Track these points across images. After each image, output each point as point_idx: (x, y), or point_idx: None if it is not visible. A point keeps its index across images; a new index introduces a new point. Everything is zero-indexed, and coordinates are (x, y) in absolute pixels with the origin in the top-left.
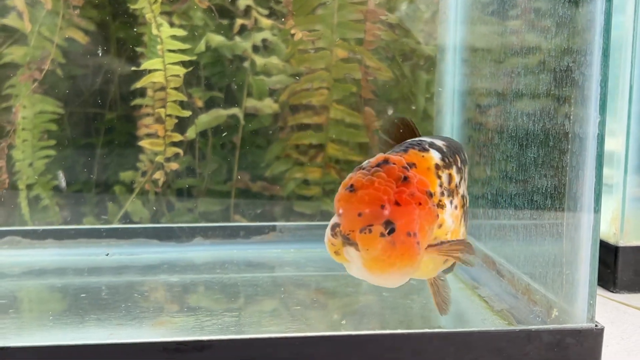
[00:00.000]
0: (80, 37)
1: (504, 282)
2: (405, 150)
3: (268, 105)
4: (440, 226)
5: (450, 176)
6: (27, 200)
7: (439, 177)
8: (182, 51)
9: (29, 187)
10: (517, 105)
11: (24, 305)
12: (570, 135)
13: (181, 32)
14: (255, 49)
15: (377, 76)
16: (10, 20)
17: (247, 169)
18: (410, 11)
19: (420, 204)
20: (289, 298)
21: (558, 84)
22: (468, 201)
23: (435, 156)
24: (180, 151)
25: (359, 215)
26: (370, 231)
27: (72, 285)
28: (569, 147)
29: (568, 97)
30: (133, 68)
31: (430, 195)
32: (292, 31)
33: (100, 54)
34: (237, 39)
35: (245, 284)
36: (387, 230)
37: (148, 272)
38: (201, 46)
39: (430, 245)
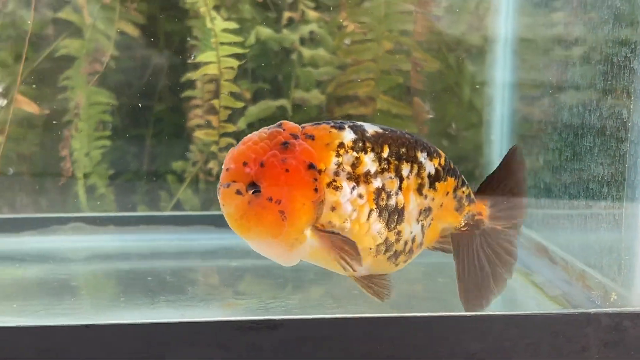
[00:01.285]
0: (132, 30)
1: (557, 269)
2: (318, 123)
3: (315, 97)
4: (333, 209)
5: (358, 160)
6: (84, 189)
7: (339, 156)
8: (235, 44)
9: (86, 176)
10: (572, 96)
11: (95, 288)
12: (629, 124)
13: (233, 25)
14: (302, 41)
15: (424, 67)
16: (65, 14)
17: None
18: (458, 2)
19: (288, 170)
20: (345, 281)
21: (616, 74)
22: (406, 204)
23: (346, 136)
24: (234, 141)
25: (227, 170)
26: (228, 186)
27: (137, 269)
28: (628, 136)
29: (627, 86)
30: (189, 60)
31: (316, 169)
32: (345, 23)
33: (151, 47)
34: (285, 31)
35: (305, 269)
36: (251, 191)
37: (208, 257)
38: (251, 39)
39: (318, 228)
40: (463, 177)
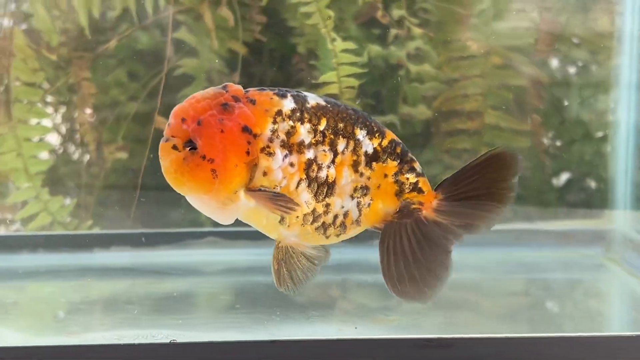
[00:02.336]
0: (240, 49)
1: None
2: (263, 89)
3: (421, 112)
4: (265, 174)
5: (293, 129)
6: None
7: (276, 123)
8: (354, 64)
9: None
10: None
11: (245, 301)
12: None
13: (352, 46)
14: (409, 57)
15: (535, 83)
16: (181, 34)
17: None
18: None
19: (223, 131)
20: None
21: None
22: (338, 178)
23: (286, 104)
24: None
25: (168, 125)
26: (167, 141)
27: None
28: None
29: None
30: (312, 81)
31: (251, 133)
32: (468, 43)
33: (267, 66)
34: (392, 48)
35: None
36: (187, 148)
37: (341, 271)
38: (364, 57)
39: (249, 189)
40: (416, 165)
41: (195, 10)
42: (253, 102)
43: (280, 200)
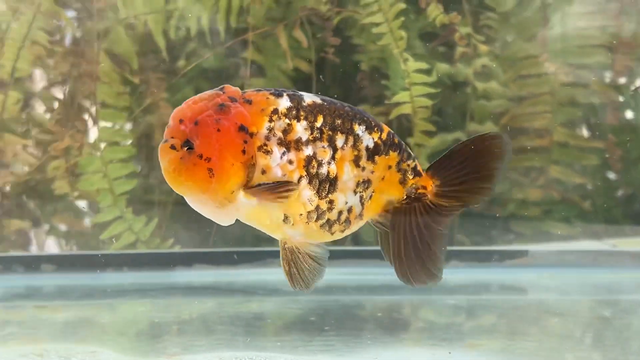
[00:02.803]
0: (306, 68)
1: None
2: (259, 90)
3: (489, 129)
4: (264, 172)
5: (290, 127)
6: None
7: (272, 121)
8: (426, 84)
9: None
10: None
11: (333, 322)
12: None
13: (424, 65)
14: (475, 74)
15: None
16: (249, 54)
17: None
18: None
19: (219, 130)
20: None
21: None
22: (339, 174)
23: (282, 103)
24: None
25: (167, 127)
26: (165, 142)
27: (358, 303)
28: None
29: None
30: (386, 102)
31: (247, 132)
32: (546, 64)
33: (332, 83)
34: (459, 65)
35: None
36: (185, 147)
37: (419, 292)
38: (434, 76)
39: (249, 188)
40: (409, 150)
41: (271, 32)
42: (249, 102)
43: (279, 188)
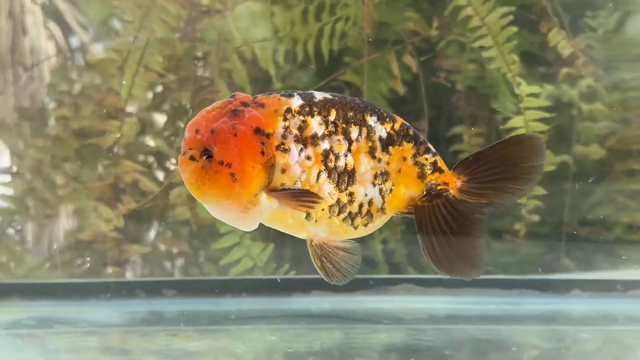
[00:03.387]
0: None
1: None
2: (270, 93)
3: (595, 151)
4: (283, 171)
5: (305, 123)
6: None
7: (286, 120)
8: (541, 108)
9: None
10: None
11: (468, 355)
12: None
13: (537, 90)
14: (580, 95)
15: None
16: (347, 76)
17: (572, 212)
18: None
19: (236, 135)
20: None
21: None
22: (357, 166)
23: (294, 102)
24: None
25: (184, 139)
26: (184, 154)
27: (486, 336)
28: None
29: None
30: (501, 127)
31: (264, 134)
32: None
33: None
34: (564, 86)
35: None
36: (204, 156)
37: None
38: (547, 99)
39: (271, 190)
40: (430, 145)
41: (384, 59)
42: (262, 105)
43: (303, 196)
